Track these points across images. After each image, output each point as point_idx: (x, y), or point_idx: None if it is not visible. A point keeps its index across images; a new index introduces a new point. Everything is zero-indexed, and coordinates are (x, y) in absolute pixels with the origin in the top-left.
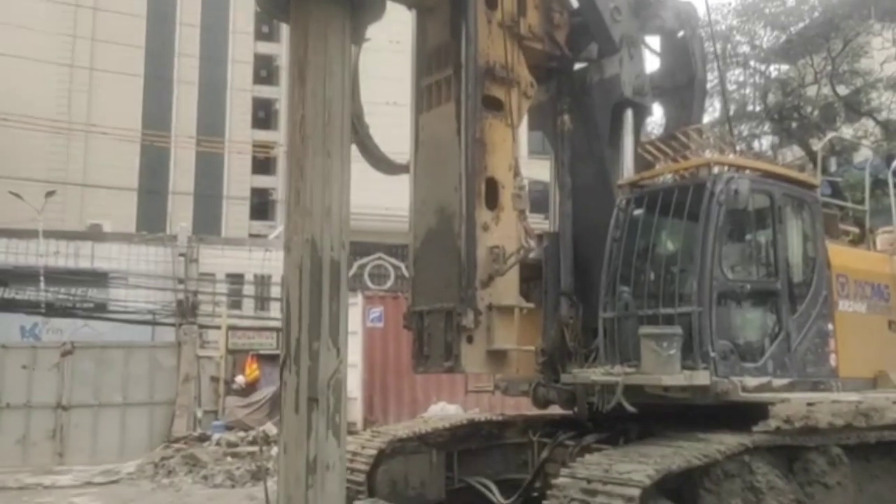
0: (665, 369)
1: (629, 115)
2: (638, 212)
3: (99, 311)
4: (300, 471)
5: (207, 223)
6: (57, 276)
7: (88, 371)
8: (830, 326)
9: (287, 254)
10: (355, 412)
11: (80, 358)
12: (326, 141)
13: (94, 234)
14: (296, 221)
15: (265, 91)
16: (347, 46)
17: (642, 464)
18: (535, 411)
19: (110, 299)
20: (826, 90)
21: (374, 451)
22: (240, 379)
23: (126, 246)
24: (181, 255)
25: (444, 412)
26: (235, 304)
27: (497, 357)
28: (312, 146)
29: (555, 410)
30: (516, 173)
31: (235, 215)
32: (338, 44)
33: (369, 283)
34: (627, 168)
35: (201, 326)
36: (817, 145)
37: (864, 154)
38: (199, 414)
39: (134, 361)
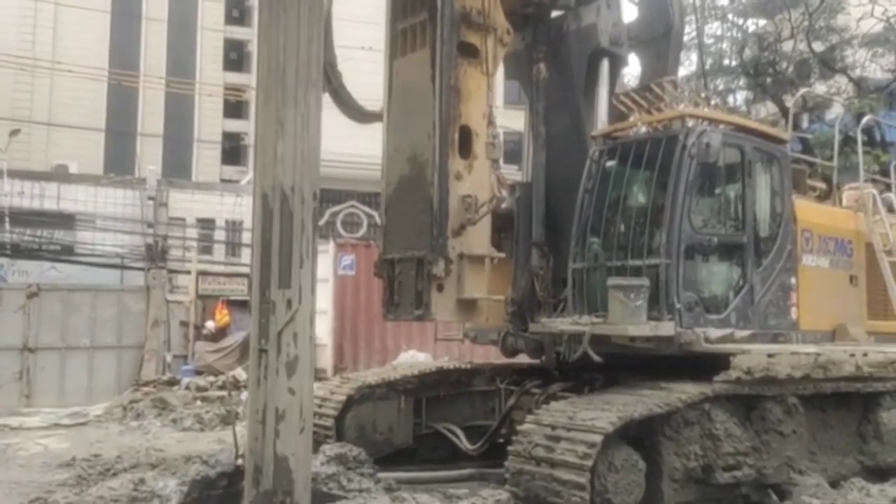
0: (631, 320)
1: (605, 64)
2: (610, 163)
3: (66, 253)
4: (255, 417)
5: (177, 167)
6: (22, 217)
7: (55, 314)
8: (793, 280)
9: (262, 201)
10: (325, 359)
11: (47, 300)
12: (281, 90)
13: (61, 175)
14: (273, 171)
15: (237, 32)
16: None
17: (605, 411)
18: (503, 360)
19: (77, 242)
20: (802, 46)
21: (342, 397)
22: (210, 324)
23: (93, 188)
24: (150, 198)
25: (413, 360)
26: (206, 250)
27: (467, 306)
28: (291, 95)
29: (523, 359)
30: (490, 122)
31: (206, 159)
32: None
33: (342, 231)
34: (601, 119)
35: (171, 271)
36: (791, 100)
37: (836, 111)
38: (169, 358)
39: (101, 305)
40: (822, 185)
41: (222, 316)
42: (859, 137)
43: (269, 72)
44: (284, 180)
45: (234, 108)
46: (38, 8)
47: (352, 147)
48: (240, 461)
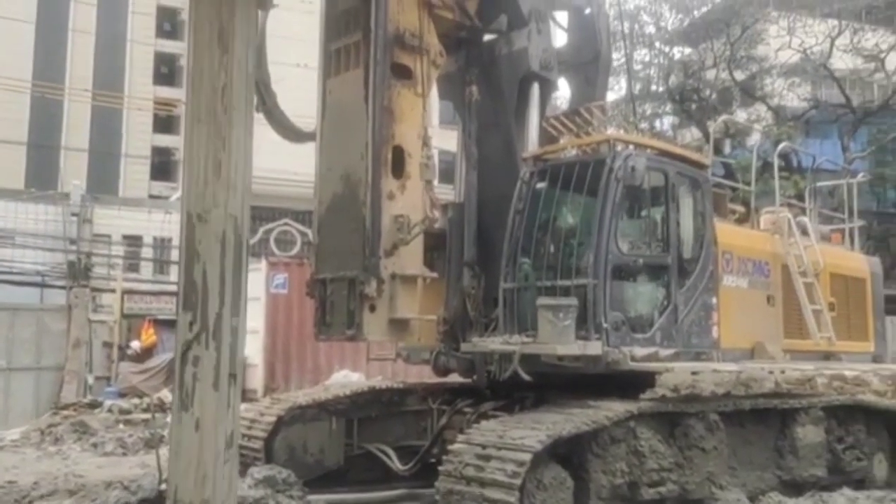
0: (560, 339)
1: (535, 88)
2: (541, 185)
3: None
4: (219, 447)
5: (104, 182)
6: None
7: None
8: (714, 300)
9: (202, 224)
10: (256, 379)
11: None
12: (248, 112)
13: None
14: (216, 193)
15: (168, 46)
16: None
17: (535, 430)
18: (435, 379)
19: None
20: (724, 74)
21: (272, 419)
22: (135, 344)
23: (13, 203)
24: (74, 214)
25: (346, 380)
26: (133, 268)
27: (399, 326)
28: (237, 117)
29: (455, 379)
30: (425, 143)
31: (135, 175)
32: (245, 11)
33: (275, 250)
34: (532, 141)
35: (94, 290)
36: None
37: (756, 138)
38: (90, 380)
39: (20, 324)
40: (741, 209)
41: (148, 336)
42: (776, 163)
43: (200, 91)
44: (205, 203)
45: (165, 123)
46: None
47: (285, 164)
48: (163, 486)
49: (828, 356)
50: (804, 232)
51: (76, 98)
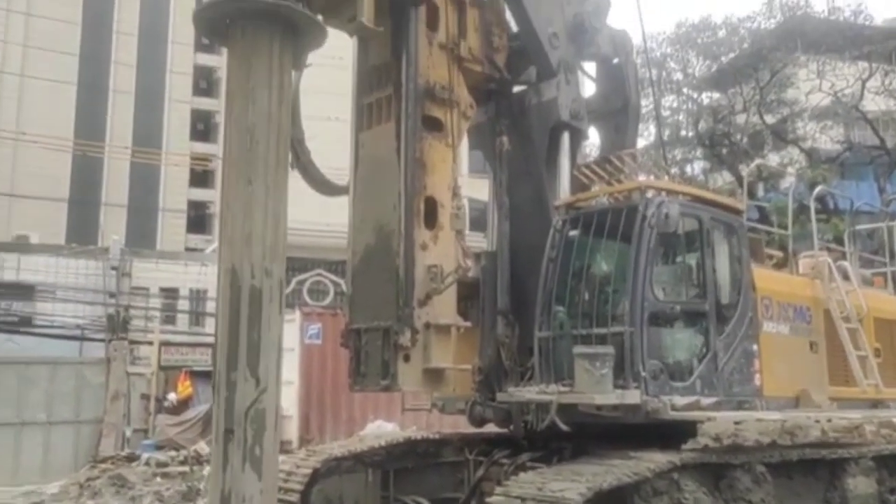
0: (598, 388)
1: (566, 137)
2: (573, 233)
3: (24, 325)
4: (274, 498)
5: (142, 236)
6: None
7: (11, 387)
8: (755, 347)
9: (268, 279)
10: (291, 430)
11: (3, 374)
12: (248, 168)
13: (21, 246)
14: (220, 250)
15: (204, 103)
16: (277, 71)
17: (575, 482)
18: (471, 430)
19: (36, 313)
20: (755, 118)
21: (308, 471)
22: (172, 396)
23: (54, 258)
24: (113, 268)
25: (381, 430)
26: (169, 320)
27: (434, 375)
28: (235, 173)
29: (491, 429)
30: (455, 193)
31: (172, 228)
32: (263, 69)
33: (308, 300)
34: (564, 189)
35: (132, 342)
36: (746, 171)
37: (790, 180)
38: (128, 433)
39: (60, 378)
40: (778, 254)
41: (185, 388)
42: (812, 206)
43: (237, 149)
44: (253, 258)
45: (201, 177)
46: (3, 79)
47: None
48: None
49: (875, 403)
50: (845, 276)
51: (116, 155)
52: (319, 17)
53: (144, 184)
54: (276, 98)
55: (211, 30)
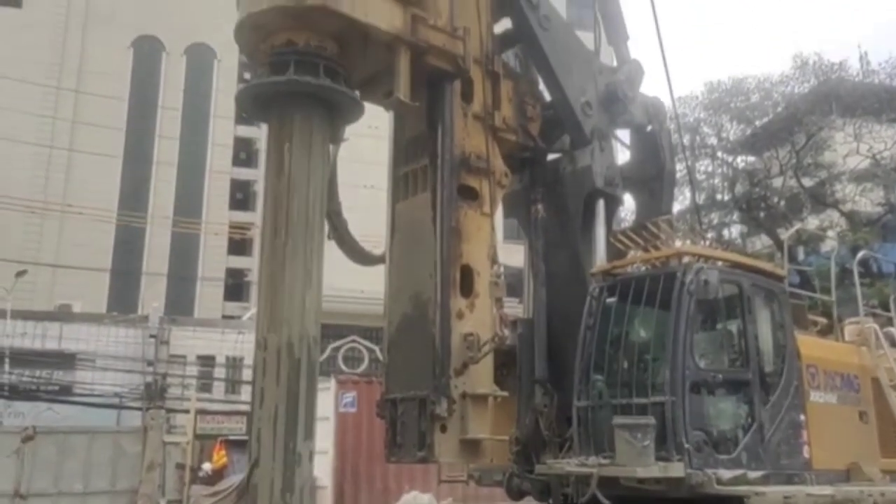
0: (639, 461)
1: (601, 204)
2: (611, 300)
3: (64, 393)
4: None
5: (181, 304)
6: (23, 358)
7: (50, 457)
8: (802, 417)
9: (316, 348)
10: (325, 501)
11: (42, 443)
12: (290, 241)
13: (63, 315)
14: (267, 323)
15: (243, 173)
16: (318, 147)
17: None
18: (509, 502)
19: (76, 382)
20: (792, 182)
21: None
22: (206, 466)
23: (96, 327)
24: (152, 336)
25: (416, 502)
26: (205, 387)
27: (471, 446)
28: (276, 247)
29: (529, 502)
30: (494, 261)
31: (210, 296)
32: (302, 145)
33: (343, 367)
34: (600, 256)
35: (169, 410)
36: (784, 235)
37: (831, 244)
38: (163, 503)
39: (97, 447)
40: (822, 320)
41: (220, 457)
42: (855, 271)
43: (276, 224)
44: (307, 328)
45: (239, 246)
46: (52, 154)
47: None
48: None
49: None
50: (893, 343)
51: (157, 225)
52: (357, 93)
53: (184, 253)
54: (316, 172)
55: (252, 108)
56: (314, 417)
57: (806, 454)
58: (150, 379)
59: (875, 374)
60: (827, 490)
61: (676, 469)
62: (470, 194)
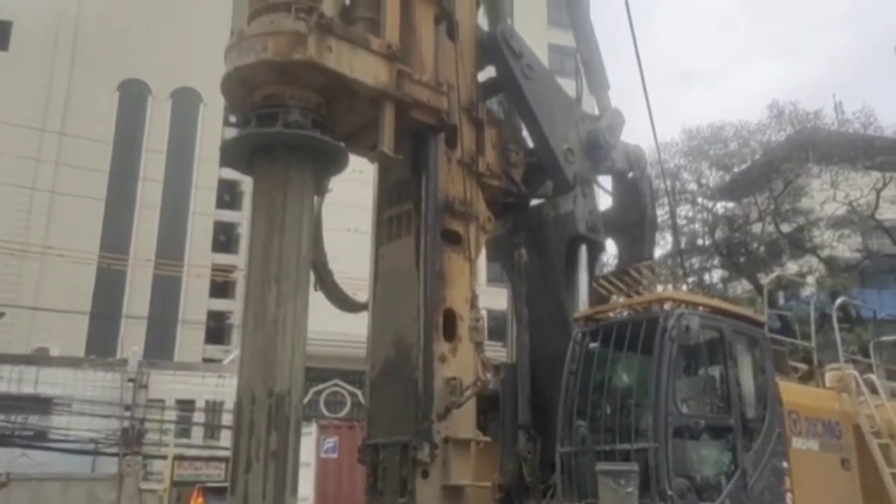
0: None
1: (583, 250)
2: (593, 345)
3: (39, 439)
4: None
5: (161, 347)
6: None
7: None
8: (785, 464)
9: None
10: None
11: (15, 490)
12: (276, 290)
13: (40, 359)
14: (252, 372)
15: (227, 215)
16: (302, 198)
17: None
18: None
19: (52, 427)
20: (770, 227)
21: None
22: None
23: (73, 371)
24: (130, 380)
25: None
26: (184, 433)
27: (453, 493)
28: (262, 296)
29: None
30: (473, 305)
31: (190, 339)
32: (287, 196)
33: (325, 411)
34: (582, 301)
35: (146, 457)
36: (765, 279)
37: (810, 289)
38: None
39: (72, 495)
40: (803, 366)
41: None
42: (834, 317)
43: (264, 272)
44: (296, 384)
45: (221, 288)
46: (34, 196)
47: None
48: None
49: None
50: (873, 389)
51: (139, 268)
52: (341, 145)
53: (166, 295)
54: (301, 223)
55: (238, 160)
56: (297, 470)
57: (789, 501)
58: (127, 424)
59: (856, 420)
60: None
61: None
62: (454, 239)
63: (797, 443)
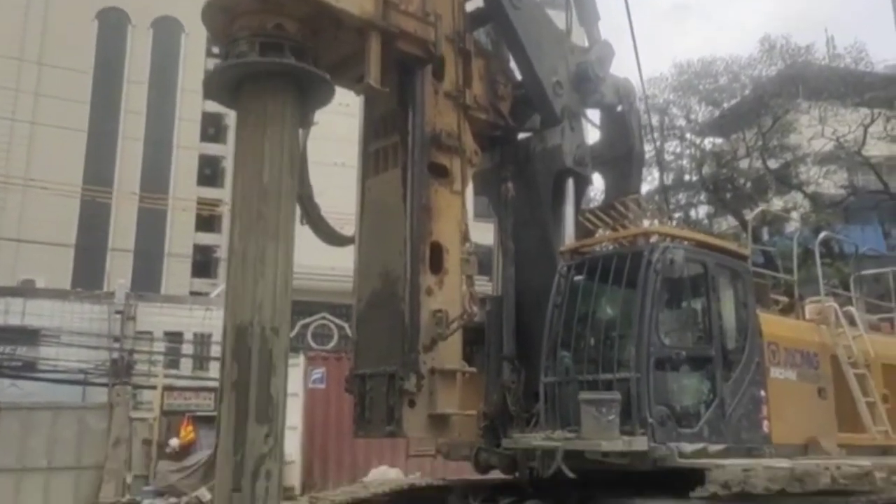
0: (604, 435)
1: (570, 184)
2: (578, 278)
3: (27, 370)
4: None
5: (148, 281)
6: None
7: (13, 433)
8: (763, 393)
9: (276, 338)
10: (294, 476)
11: (6, 419)
12: (258, 225)
13: (26, 291)
14: (285, 309)
15: (212, 149)
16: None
17: None
18: (476, 476)
19: (40, 358)
20: (758, 163)
21: None
22: (174, 442)
23: (60, 303)
24: (118, 312)
25: (384, 476)
26: (173, 364)
27: (439, 421)
28: (245, 231)
29: (496, 475)
30: (465, 239)
31: (177, 273)
32: (272, 129)
33: (312, 344)
34: (568, 235)
35: (136, 387)
36: (750, 216)
37: (795, 225)
38: (129, 479)
39: (62, 423)
40: (784, 299)
41: (187, 433)
42: (817, 252)
43: (247, 207)
44: (262, 317)
45: (207, 222)
46: (14, 126)
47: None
48: None
49: (885, 450)
50: (852, 322)
51: (123, 201)
52: (327, 76)
53: (151, 229)
54: (286, 156)
55: (221, 92)
56: (269, 398)
57: (765, 429)
58: (116, 355)
59: (834, 351)
60: (785, 463)
61: (640, 443)
62: (440, 172)
63: (775, 372)
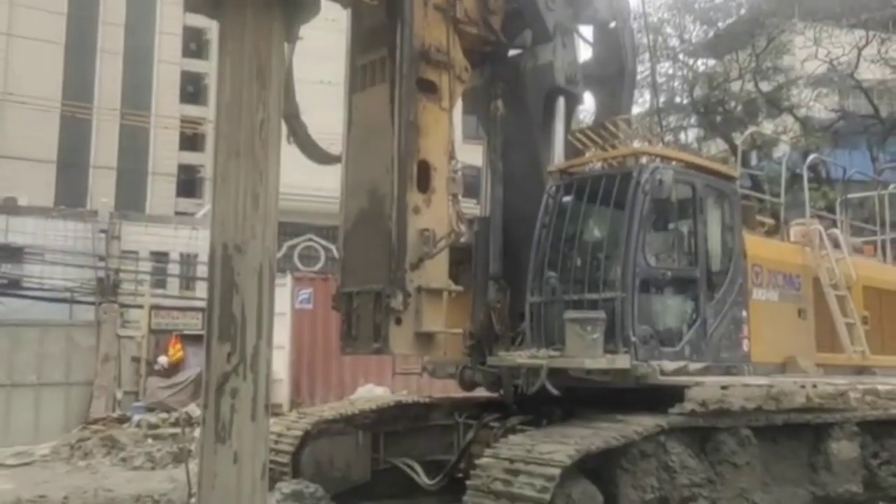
0: (588, 353)
1: (561, 102)
2: (567, 198)
3: (13, 287)
4: (256, 477)
5: (131, 199)
6: None
7: (2, 350)
8: (744, 313)
9: (240, 256)
10: (282, 394)
11: None
12: (241, 144)
13: (9, 208)
14: (254, 225)
15: (194, 65)
16: (271, 45)
17: (563, 444)
18: (461, 393)
19: (25, 276)
20: (749, 86)
21: (299, 433)
22: (162, 359)
23: (43, 220)
24: (102, 231)
25: (371, 394)
26: (160, 283)
27: (425, 339)
28: (227, 149)
29: (481, 393)
30: (451, 157)
31: (161, 192)
32: (256, 43)
33: (299, 265)
34: (558, 155)
35: (122, 305)
36: (739, 139)
37: (783, 149)
38: (119, 395)
39: (49, 340)
40: (770, 221)
41: (175, 351)
42: (805, 175)
43: (239, 125)
44: (224, 234)
45: (191, 141)
46: None
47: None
48: (192, 500)
49: (861, 370)
50: (836, 244)
51: (104, 117)
52: None
53: (134, 146)
54: (270, 72)
55: (201, 3)
56: (272, 326)
57: (745, 348)
58: (101, 274)
59: (816, 273)
60: (762, 381)
61: (623, 361)
62: (429, 88)
63: (758, 294)
